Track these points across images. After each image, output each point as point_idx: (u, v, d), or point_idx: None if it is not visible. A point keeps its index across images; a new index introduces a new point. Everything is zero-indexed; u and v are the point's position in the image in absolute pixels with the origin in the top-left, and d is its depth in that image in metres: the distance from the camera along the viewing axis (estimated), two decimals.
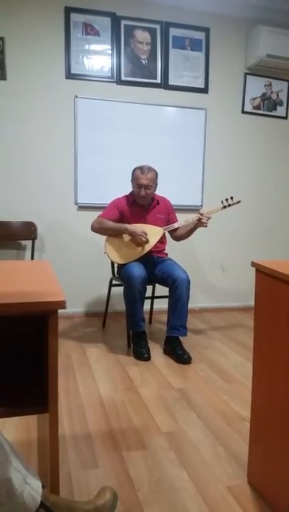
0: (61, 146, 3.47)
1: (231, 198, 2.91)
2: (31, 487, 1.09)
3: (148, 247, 2.88)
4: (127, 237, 2.89)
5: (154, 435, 1.86)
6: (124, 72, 3.54)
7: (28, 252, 3.44)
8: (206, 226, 2.83)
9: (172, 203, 3.13)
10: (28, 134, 3.39)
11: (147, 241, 2.84)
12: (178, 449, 1.76)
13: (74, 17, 3.37)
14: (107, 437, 1.83)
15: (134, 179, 2.89)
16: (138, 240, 2.84)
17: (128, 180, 2.97)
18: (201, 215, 2.83)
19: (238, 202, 2.94)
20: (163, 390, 2.31)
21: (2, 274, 1.47)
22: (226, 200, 2.90)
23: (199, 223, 2.83)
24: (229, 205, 2.91)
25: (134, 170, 2.91)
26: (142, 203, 2.94)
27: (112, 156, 3.54)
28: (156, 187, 2.94)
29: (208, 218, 2.83)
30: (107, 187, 3.48)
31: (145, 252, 2.88)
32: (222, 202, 2.91)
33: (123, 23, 3.48)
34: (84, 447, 1.76)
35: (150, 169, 2.87)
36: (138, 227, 2.87)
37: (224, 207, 2.91)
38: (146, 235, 2.83)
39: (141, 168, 2.86)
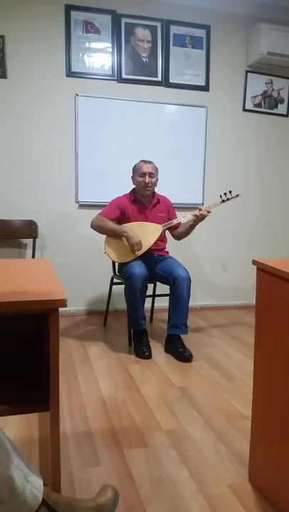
0: (62, 144, 3.47)
1: (230, 192, 2.90)
2: (33, 485, 1.09)
3: (147, 246, 2.87)
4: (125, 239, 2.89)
5: (155, 433, 1.86)
6: (125, 70, 3.53)
7: (29, 251, 3.44)
8: (206, 216, 2.82)
9: (173, 201, 3.13)
10: (28, 133, 3.38)
11: (139, 250, 2.83)
12: (179, 447, 1.76)
13: (74, 15, 3.36)
14: (109, 435, 1.84)
15: (137, 169, 2.92)
16: (132, 247, 2.82)
17: (129, 178, 2.97)
18: (200, 210, 2.82)
19: (237, 196, 2.93)
20: (164, 388, 2.31)
21: (3, 273, 1.47)
22: (225, 194, 2.90)
23: (198, 218, 2.83)
24: (228, 199, 2.91)
25: (135, 164, 2.95)
26: (145, 193, 2.93)
27: (113, 154, 3.54)
28: (157, 181, 2.94)
29: (208, 212, 2.83)
30: (107, 185, 3.48)
31: (144, 251, 2.88)
32: (221, 196, 2.91)
33: (123, 20, 3.47)
34: (85, 445, 1.76)
35: (151, 161, 2.94)
36: (138, 227, 2.87)
37: (223, 201, 2.91)
38: (140, 245, 2.81)
39: (142, 160, 2.93)
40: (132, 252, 2.85)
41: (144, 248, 2.86)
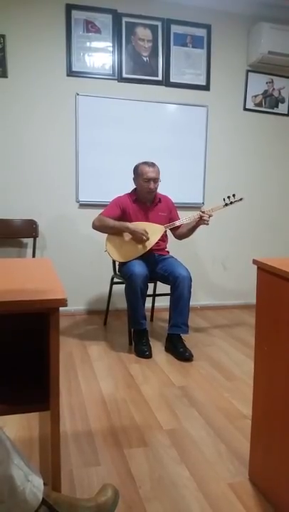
0: (62, 144, 3.47)
1: (233, 195, 2.90)
2: (33, 484, 1.09)
3: (149, 245, 2.88)
4: (127, 236, 2.89)
5: (155, 432, 1.86)
6: (126, 69, 3.53)
7: (30, 250, 3.44)
8: (208, 223, 2.83)
9: (174, 201, 3.13)
10: (29, 132, 3.38)
11: (148, 239, 2.85)
12: (179, 446, 1.76)
13: (75, 14, 3.36)
14: (109, 435, 1.84)
15: (141, 174, 2.88)
16: (139, 238, 2.83)
17: (130, 178, 2.97)
18: (203, 212, 2.83)
19: (240, 199, 2.93)
20: (164, 387, 2.31)
21: (3, 272, 1.47)
22: (228, 197, 2.89)
23: (201, 221, 2.83)
24: (231, 202, 2.90)
25: (138, 166, 2.91)
26: (148, 197, 2.93)
27: (114, 154, 3.54)
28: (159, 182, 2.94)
29: (210, 216, 2.83)
30: (108, 185, 3.48)
31: (146, 251, 2.88)
32: (224, 199, 2.90)
33: (124, 20, 3.47)
34: (85, 445, 1.76)
35: (154, 163, 2.90)
36: (139, 226, 2.87)
37: (226, 204, 2.90)
38: (147, 233, 2.83)
39: (146, 163, 2.89)
40: (141, 243, 2.84)
41: (147, 247, 2.86)
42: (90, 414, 2.01)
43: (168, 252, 3.08)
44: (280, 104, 3.94)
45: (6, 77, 3.28)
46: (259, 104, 3.89)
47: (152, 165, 2.88)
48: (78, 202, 3.56)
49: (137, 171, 2.92)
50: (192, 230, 2.93)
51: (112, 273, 3.21)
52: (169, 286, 2.84)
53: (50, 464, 1.22)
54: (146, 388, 2.29)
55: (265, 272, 1.39)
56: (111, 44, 3.47)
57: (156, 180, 2.87)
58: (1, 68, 3.25)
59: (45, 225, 3.48)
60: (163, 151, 3.58)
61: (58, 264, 1.64)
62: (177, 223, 2.97)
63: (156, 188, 2.90)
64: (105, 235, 2.93)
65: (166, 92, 3.64)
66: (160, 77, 3.62)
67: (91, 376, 2.44)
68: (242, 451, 1.70)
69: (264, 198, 4.01)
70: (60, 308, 1.13)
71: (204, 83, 3.72)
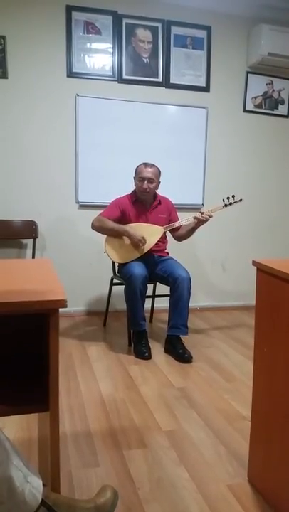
0: (62, 145, 3.47)
1: (233, 196, 2.90)
2: (32, 485, 1.09)
3: (148, 247, 2.88)
4: (126, 239, 2.89)
5: (154, 434, 1.86)
6: (126, 70, 3.53)
7: (30, 251, 3.44)
8: (207, 220, 2.82)
9: (173, 202, 3.13)
10: (29, 133, 3.39)
11: (144, 244, 2.84)
12: (178, 447, 1.76)
13: (75, 15, 3.36)
14: (108, 436, 1.84)
15: (137, 173, 2.91)
16: (136, 244, 2.84)
17: (129, 179, 2.97)
18: (202, 213, 2.83)
19: (240, 200, 2.93)
20: (164, 388, 2.31)
21: (3, 273, 1.47)
22: (228, 198, 2.90)
23: (200, 221, 2.83)
24: (230, 203, 2.91)
25: (138, 165, 2.94)
26: (143, 197, 2.94)
27: (113, 155, 3.54)
28: (158, 184, 2.94)
29: (210, 217, 2.83)
30: (108, 186, 3.48)
31: (144, 253, 2.88)
32: (223, 200, 2.90)
33: (124, 21, 3.48)
34: (85, 446, 1.76)
35: (153, 165, 2.91)
36: (138, 228, 2.87)
37: (225, 205, 2.91)
38: (144, 240, 2.83)
39: (145, 163, 2.91)
40: (138, 249, 2.85)
41: (146, 249, 2.87)
42: (89, 415, 2.01)
43: (167, 253, 3.08)
44: (279, 106, 3.95)
45: (6, 78, 3.28)
46: (259, 106, 3.89)
47: (150, 166, 2.89)
48: (78, 203, 3.56)
49: (136, 170, 2.94)
50: (191, 231, 2.94)
51: (112, 274, 3.21)
52: (168, 288, 2.84)
53: (50, 465, 1.22)
54: (145, 389, 2.29)
55: (265, 273, 1.39)
56: (111, 45, 3.48)
57: (150, 180, 2.87)
58: (1, 69, 3.26)
59: (45, 225, 3.48)
60: (163, 152, 3.59)
61: (57, 265, 1.64)
62: (176, 224, 2.97)
63: (150, 189, 2.89)
64: (105, 236, 2.93)
65: (166, 94, 3.64)
66: (160, 79, 3.62)
67: (90, 377, 2.44)
68: (241, 452, 1.70)
69: (263, 199, 4.01)
70: (60, 309, 1.13)
71: (204, 84, 3.73)
